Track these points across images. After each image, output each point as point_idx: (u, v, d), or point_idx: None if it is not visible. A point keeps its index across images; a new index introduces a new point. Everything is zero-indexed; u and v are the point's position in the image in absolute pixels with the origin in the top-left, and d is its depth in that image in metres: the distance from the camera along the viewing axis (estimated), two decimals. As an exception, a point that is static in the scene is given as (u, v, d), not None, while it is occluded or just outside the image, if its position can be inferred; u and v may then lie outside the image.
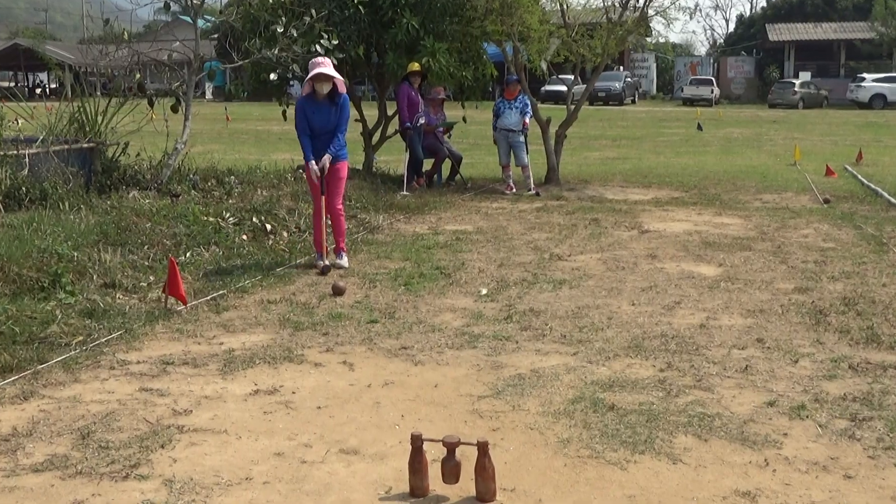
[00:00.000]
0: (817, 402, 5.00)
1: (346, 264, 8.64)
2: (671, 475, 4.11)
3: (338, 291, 7.58)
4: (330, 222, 8.70)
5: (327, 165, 8.42)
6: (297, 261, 8.89)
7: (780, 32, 62.37)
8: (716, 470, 4.16)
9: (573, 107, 15.90)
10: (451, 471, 3.94)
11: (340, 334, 6.43)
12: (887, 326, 6.47)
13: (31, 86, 68.06)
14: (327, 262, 8.41)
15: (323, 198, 8.44)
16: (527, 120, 14.23)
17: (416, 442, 3.93)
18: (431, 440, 3.98)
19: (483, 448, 3.86)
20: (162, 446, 4.46)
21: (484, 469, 3.87)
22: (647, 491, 3.95)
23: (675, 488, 3.98)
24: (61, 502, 3.88)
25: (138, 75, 12.08)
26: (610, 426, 4.67)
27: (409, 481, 3.96)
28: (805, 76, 56.26)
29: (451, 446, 3.92)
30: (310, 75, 8.30)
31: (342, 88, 8.53)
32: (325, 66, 8.28)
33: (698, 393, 5.17)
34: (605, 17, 15.22)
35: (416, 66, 13.54)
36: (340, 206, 8.75)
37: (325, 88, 8.29)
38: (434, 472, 3.98)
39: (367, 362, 5.81)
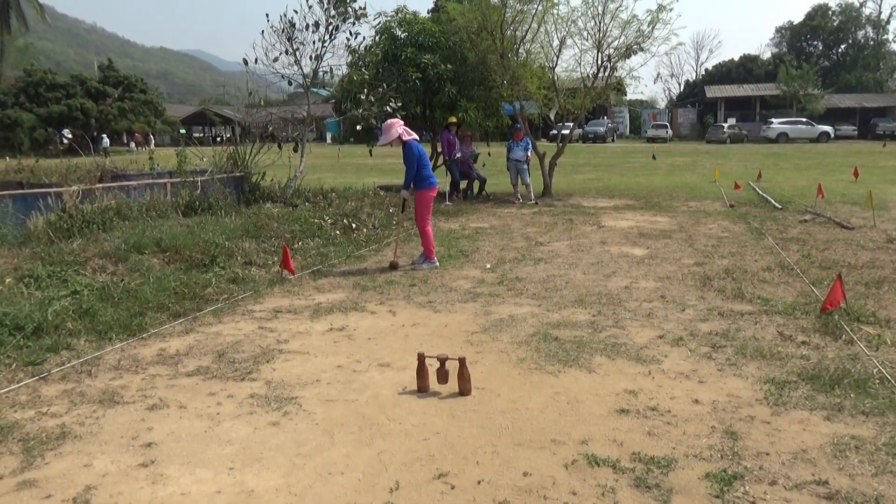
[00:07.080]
0: (692, 335, 5.06)
1: (425, 266, 7.72)
2: (586, 380, 4.24)
3: (393, 266, 7.76)
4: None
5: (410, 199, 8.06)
6: (371, 247, 9.10)
7: (714, 91, 61.11)
8: (615, 377, 4.28)
9: (562, 144, 15.91)
10: (442, 376, 4.14)
11: (390, 293, 6.61)
12: (750, 287, 6.46)
13: (213, 136, 69.49)
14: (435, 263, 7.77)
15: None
16: (529, 154, 14.27)
17: (421, 358, 4.14)
18: (430, 356, 4.18)
19: (462, 361, 4.05)
20: (267, 361, 4.71)
21: (463, 375, 4.06)
22: (568, 389, 4.09)
23: (587, 388, 4.11)
24: (202, 393, 4.16)
25: (271, 128, 12.43)
26: (552, 350, 4.79)
27: (416, 383, 4.17)
28: (731, 121, 55.31)
29: (442, 360, 4.13)
30: (382, 141, 7.84)
31: (404, 137, 7.69)
32: (382, 132, 7.78)
33: (614, 330, 5.26)
34: (582, 83, 15.17)
35: (453, 119, 13.70)
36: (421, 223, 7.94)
37: (393, 144, 7.74)
38: (432, 377, 4.18)
39: (405, 311, 5.98)
